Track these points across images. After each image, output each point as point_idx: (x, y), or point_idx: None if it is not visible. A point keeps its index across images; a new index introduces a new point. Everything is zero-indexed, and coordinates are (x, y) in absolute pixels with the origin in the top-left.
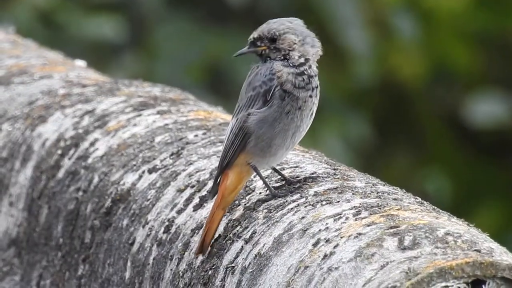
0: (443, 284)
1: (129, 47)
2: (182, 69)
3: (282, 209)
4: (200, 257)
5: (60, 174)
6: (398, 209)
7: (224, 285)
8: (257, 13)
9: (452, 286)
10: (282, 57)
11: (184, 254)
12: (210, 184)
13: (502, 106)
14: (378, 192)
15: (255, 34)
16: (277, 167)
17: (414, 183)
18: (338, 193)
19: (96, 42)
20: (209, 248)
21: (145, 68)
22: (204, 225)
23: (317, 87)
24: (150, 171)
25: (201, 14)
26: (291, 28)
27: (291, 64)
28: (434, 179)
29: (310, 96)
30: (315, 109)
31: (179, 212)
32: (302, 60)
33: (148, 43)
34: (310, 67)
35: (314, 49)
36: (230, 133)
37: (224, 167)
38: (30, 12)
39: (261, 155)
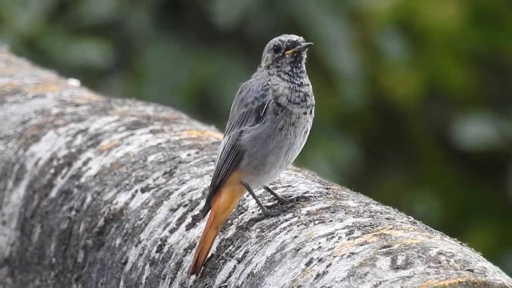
0: None
1: (117, 70)
2: (170, 92)
3: (274, 229)
4: (193, 277)
5: (53, 193)
6: (391, 229)
7: None
8: (245, 36)
9: None
10: (303, 68)
11: (176, 273)
12: (203, 203)
13: (492, 127)
14: (371, 212)
15: (300, 37)
16: (270, 186)
17: (405, 203)
18: (331, 212)
19: (82, 66)
20: (202, 267)
21: (133, 90)
22: (197, 245)
23: (313, 105)
24: (143, 190)
25: (189, 36)
26: None
27: (301, 82)
28: (425, 199)
29: (305, 113)
30: (309, 127)
31: (172, 231)
32: (308, 81)
33: (136, 66)
34: (308, 85)
35: None
36: (223, 151)
37: (217, 186)
38: (15, 38)
39: (255, 173)
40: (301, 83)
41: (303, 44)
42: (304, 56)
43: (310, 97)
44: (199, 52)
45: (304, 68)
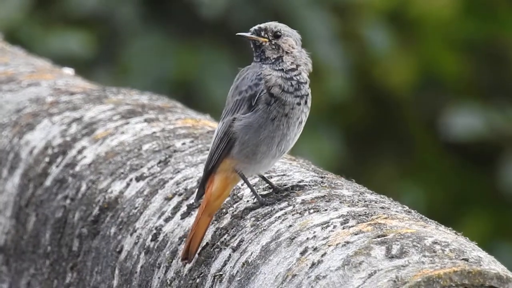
0: None
1: (102, 62)
2: (155, 84)
3: (269, 217)
4: (188, 265)
5: (48, 182)
6: (386, 218)
7: None
8: (230, 27)
9: None
10: (275, 58)
11: (172, 262)
12: None
13: (482, 119)
14: (366, 201)
15: (261, 25)
16: (265, 175)
17: (396, 194)
18: (326, 201)
19: (62, 57)
20: (196, 254)
21: (118, 82)
22: (189, 231)
23: (307, 95)
24: (138, 179)
25: (175, 28)
26: (293, 35)
27: (281, 68)
28: (417, 189)
29: (299, 104)
30: (304, 118)
31: (167, 220)
32: (293, 66)
33: (121, 58)
34: (300, 73)
35: (307, 61)
36: (216, 137)
37: (209, 171)
38: None
39: (246, 161)
40: (282, 69)
41: (243, 33)
42: (266, 45)
43: (304, 85)
44: (184, 44)
45: (269, 55)
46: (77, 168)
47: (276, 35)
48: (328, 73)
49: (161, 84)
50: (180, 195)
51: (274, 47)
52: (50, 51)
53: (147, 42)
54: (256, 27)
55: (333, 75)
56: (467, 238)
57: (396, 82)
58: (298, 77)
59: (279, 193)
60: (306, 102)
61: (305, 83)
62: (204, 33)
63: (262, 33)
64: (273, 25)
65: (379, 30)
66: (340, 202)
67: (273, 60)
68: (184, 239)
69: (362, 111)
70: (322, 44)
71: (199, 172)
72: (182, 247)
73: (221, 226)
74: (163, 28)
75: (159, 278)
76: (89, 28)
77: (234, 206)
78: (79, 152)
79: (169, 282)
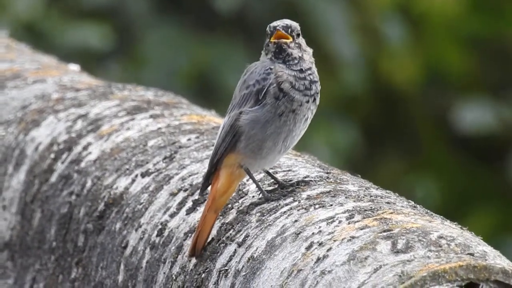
0: (437, 287)
1: (116, 55)
2: (169, 77)
3: (275, 213)
4: (193, 260)
5: (53, 178)
6: (391, 213)
7: None
8: (245, 21)
9: None
10: (299, 57)
11: (177, 257)
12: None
13: (491, 113)
14: (371, 196)
15: (286, 22)
16: (270, 171)
17: (405, 188)
18: (331, 196)
19: (81, 50)
20: (202, 250)
21: (132, 75)
22: (196, 227)
23: (317, 93)
24: (143, 175)
25: (189, 21)
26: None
27: (300, 69)
28: (425, 184)
29: (307, 102)
30: (310, 115)
31: (172, 215)
32: (310, 65)
33: (135, 51)
34: (313, 73)
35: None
36: (222, 130)
37: (214, 164)
38: (14, 23)
39: (252, 156)
40: (301, 69)
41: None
42: (291, 45)
43: (316, 84)
44: (198, 37)
45: (296, 55)
46: (83, 164)
47: (298, 35)
48: (342, 65)
49: (175, 77)
50: (185, 190)
51: (297, 46)
52: (67, 44)
53: (162, 35)
54: (283, 24)
55: (347, 68)
56: (473, 232)
57: (403, 77)
58: (311, 77)
59: (284, 189)
60: (314, 100)
61: (317, 81)
62: (218, 26)
63: (289, 31)
64: (294, 24)
65: (394, 24)
66: (346, 197)
67: (297, 61)
68: (190, 235)
69: (371, 105)
70: (338, 36)
71: (205, 168)
72: (187, 242)
73: (226, 221)
74: (177, 21)
75: (164, 273)
76: (103, 21)
77: (240, 201)
78: (85, 148)
79: (174, 277)
